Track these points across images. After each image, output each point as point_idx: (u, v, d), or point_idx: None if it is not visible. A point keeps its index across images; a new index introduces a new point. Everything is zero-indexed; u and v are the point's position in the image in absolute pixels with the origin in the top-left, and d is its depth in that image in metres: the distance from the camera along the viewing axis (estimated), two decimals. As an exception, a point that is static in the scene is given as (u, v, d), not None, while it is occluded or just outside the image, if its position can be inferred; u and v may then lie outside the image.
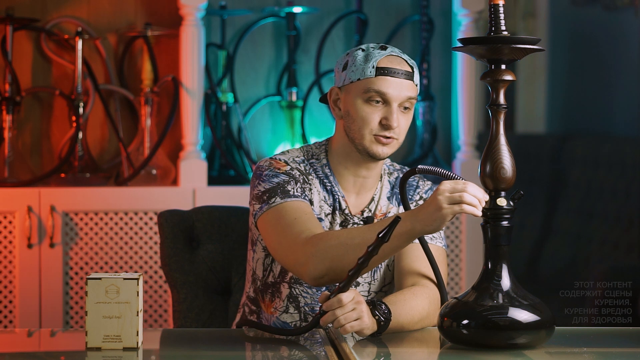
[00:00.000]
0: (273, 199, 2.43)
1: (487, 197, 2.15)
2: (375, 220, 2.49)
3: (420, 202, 2.56)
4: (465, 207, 2.15)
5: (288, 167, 2.48)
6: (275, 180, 2.45)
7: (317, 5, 4.23)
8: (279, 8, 4.21)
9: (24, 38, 4.07)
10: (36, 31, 4.06)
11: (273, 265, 2.52)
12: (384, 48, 2.46)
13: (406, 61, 2.45)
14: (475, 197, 2.15)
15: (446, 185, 2.18)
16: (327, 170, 2.52)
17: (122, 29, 4.13)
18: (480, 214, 2.15)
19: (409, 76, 2.44)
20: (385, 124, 2.42)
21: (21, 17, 4.00)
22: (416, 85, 2.46)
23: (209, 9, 4.05)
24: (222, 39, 4.17)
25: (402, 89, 2.43)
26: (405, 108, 2.44)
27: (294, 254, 2.34)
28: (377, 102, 2.43)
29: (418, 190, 2.58)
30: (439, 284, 2.41)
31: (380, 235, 2.13)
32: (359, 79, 2.44)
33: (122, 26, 4.13)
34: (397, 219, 2.13)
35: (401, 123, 2.44)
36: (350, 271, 2.16)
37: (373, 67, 2.43)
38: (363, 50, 2.46)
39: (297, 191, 2.44)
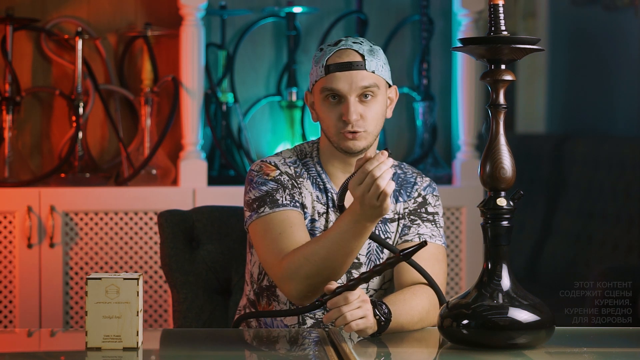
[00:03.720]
0: (262, 209, 2.45)
1: (385, 155, 2.19)
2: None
3: (419, 199, 2.55)
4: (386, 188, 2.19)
5: (277, 172, 2.49)
6: (264, 188, 2.46)
7: (317, 5, 4.23)
8: (279, 8, 4.21)
9: (24, 38, 4.07)
10: (36, 31, 4.06)
11: (268, 270, 2.53)
12: (338, 42, 2.46)
13: (356, 51, 2.43)
14: (384, 176, 2.20)
15: (360, 188, 2.21)
16: (319, 168, 2.53)
17: (122, 29, 4.13)
18: (388, 177, 2.20)
19: (360, 66, 2.42)
20: (344, 120, 2.42)
21: (21, 17, 4.00)
22: (373, 72, 2.43)
23: (209, 9, 4.05)
24: (222, 39, 4.17)
25: (353, 81, 2.41)
26: (366, 96, 2.43)
27: (275, 274, 2.39)
28: (334, 98, 2.43)
29: (416, 187, 2.57)
30: (433, 287, 2.40)
31: (402, 254, 2.19)
32: (316, 81, 2.46)
33: (122, 26, 4.13)
34: (424, 243, 2.19)
35: (365, 114, 2.43)
36: (363, 274, 2.18)
37: (322, 66, 2.44)
38: (321, 49, 2.47)
39: (285, 199, 2.45)
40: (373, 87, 2.43)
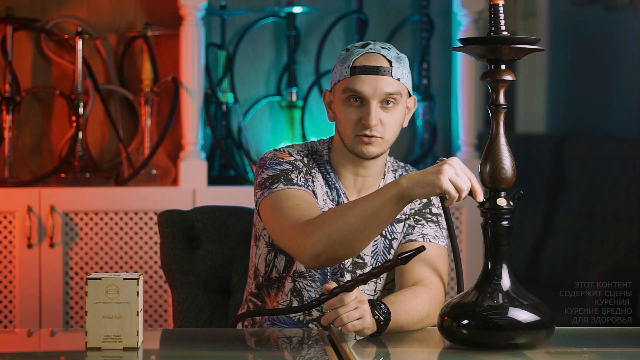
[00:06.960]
0: (276, 185, 2.42)
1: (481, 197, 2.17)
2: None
3: (424, 200, 2.56)
4: (463, 194, 2.17)
5: (292, 158, 2.48)
6: (279, 168, 2.45)
7: (317, 5, 4.23)
8: (279, 8, 4.21)
9: (24, 38, 4.08)
10: (36, 31, 4.06)
11: (276, 261, 2.53)
12: (365, 45, 2.45)
13: (384, 57, 2.42)
14: (475, 190, 2.17)
15: (458, 162, 2.19)
16: (328, 168, 2.52)
17: (122, 29, 4.13)
18: (453, 202, 2.18)
19: (386, 72, 2.41)
20: (363, 123, 2.42)
21: (21, 17, 4.00)
22: (398, 80, 2.43)
23: (209, 9, 4.05)
24: (222, 39, 4.17)
25: (378, 86, 2.40)
26: (388, 103, 2.43)
27: (292, 236, 2.32)
28: (356, 100, 2.42)
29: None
30: (458, 275, 2.42)
31: (400, 258, 2.16)
32: (339, 80, 2.45)
33: (122, 26, 4.13)
34: (422, 248, 2.16)
35: (385, 120, 2.42)
36: (361, 276, 2.17)
37: (348, 67, 2.42)
38: (347, 50, 2.46)
39: (300, 180, 2.44)
40: (396, 95, 2.42)
